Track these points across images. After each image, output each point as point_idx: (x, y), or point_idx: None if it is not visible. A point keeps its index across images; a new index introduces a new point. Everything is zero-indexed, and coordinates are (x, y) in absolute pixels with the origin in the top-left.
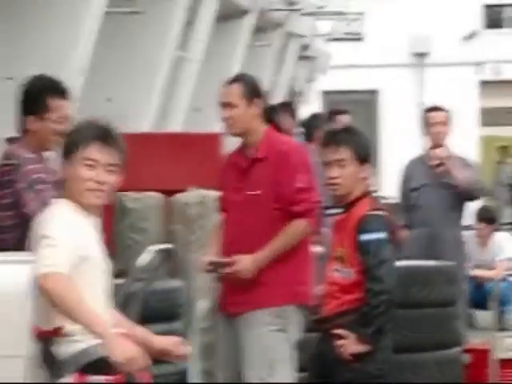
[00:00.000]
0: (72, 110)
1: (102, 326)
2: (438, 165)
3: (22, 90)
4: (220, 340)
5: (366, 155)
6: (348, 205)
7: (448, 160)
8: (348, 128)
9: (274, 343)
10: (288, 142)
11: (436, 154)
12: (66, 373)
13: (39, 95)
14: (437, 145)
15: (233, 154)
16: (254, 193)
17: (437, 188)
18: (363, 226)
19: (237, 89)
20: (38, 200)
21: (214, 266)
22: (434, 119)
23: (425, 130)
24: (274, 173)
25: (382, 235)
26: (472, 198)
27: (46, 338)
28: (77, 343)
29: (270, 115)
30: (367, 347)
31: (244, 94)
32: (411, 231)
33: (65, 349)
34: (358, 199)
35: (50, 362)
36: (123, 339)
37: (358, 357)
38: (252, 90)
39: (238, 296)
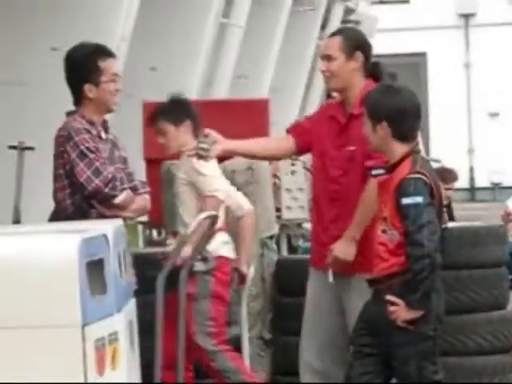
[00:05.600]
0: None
1: None
2: None
3: (69, 59)
4: (313, 296)
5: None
6: (392, 166)
7: None
8: None
9: None
10: None
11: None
12: None
13: (89, 60)
14: None
15: (330, 108)
16: (351, 149)
17: None
18: (402, 189)
19: (337, 41)
20: (90, 169)
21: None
22: None
23: None
24: None
25: (420, 199)
26: None
27: None
28: None
29: (373, 69)
30: (418, 313)
31: (344, 46)
32: None
33: None
34: (401, 160)
35: None
36: None
37: (410, 321)
38: (353, 43)
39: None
